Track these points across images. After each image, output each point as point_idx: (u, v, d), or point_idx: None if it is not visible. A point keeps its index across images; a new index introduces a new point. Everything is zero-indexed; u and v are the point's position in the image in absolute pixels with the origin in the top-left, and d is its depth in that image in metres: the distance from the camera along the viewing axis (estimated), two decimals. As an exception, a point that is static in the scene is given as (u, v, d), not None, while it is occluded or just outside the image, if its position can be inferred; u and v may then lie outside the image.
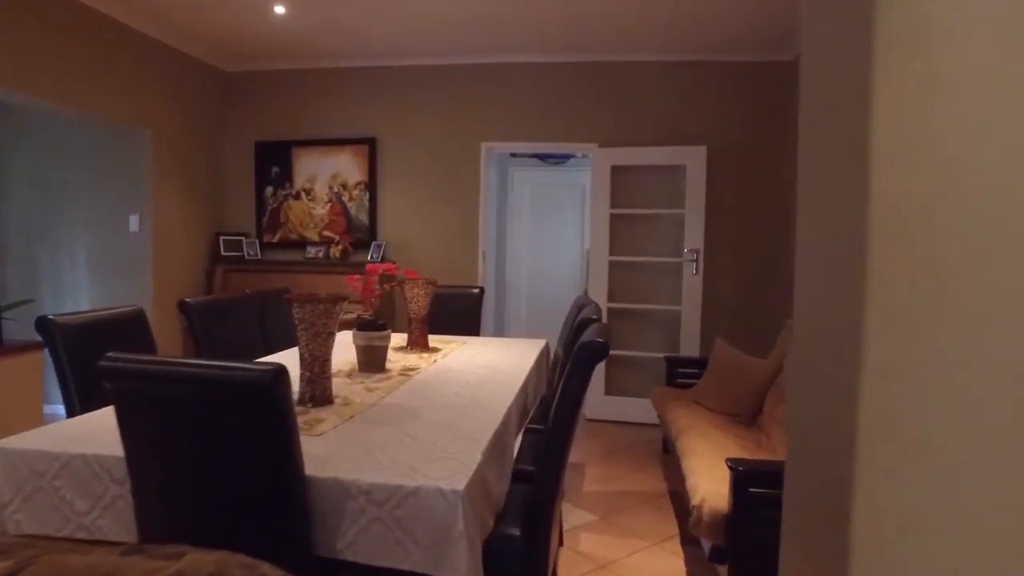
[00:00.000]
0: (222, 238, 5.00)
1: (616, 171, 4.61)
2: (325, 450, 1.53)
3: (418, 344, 3.04)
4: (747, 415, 3.57)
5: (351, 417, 1.83)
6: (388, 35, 4.40)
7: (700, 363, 4.04)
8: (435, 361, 2.79)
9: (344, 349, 2.88)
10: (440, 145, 4.90)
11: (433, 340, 3.31)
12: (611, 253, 4.64)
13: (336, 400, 2.01)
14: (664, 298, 4.62)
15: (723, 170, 4.53)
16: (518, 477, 2.07)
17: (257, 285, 4.88)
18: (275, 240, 5.15)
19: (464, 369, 2.66)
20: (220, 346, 2.63)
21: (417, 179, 4.95)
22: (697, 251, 4.44)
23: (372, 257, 4.86)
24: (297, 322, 1.92)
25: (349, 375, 2.43)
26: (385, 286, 2.64)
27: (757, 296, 4.55)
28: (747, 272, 4.57)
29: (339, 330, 2.28)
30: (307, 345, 1.93)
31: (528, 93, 4.77)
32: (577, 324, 2.46)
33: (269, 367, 1.24)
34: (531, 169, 6.12)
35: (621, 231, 4.69)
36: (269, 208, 5.14)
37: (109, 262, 4.46)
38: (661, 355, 4.58)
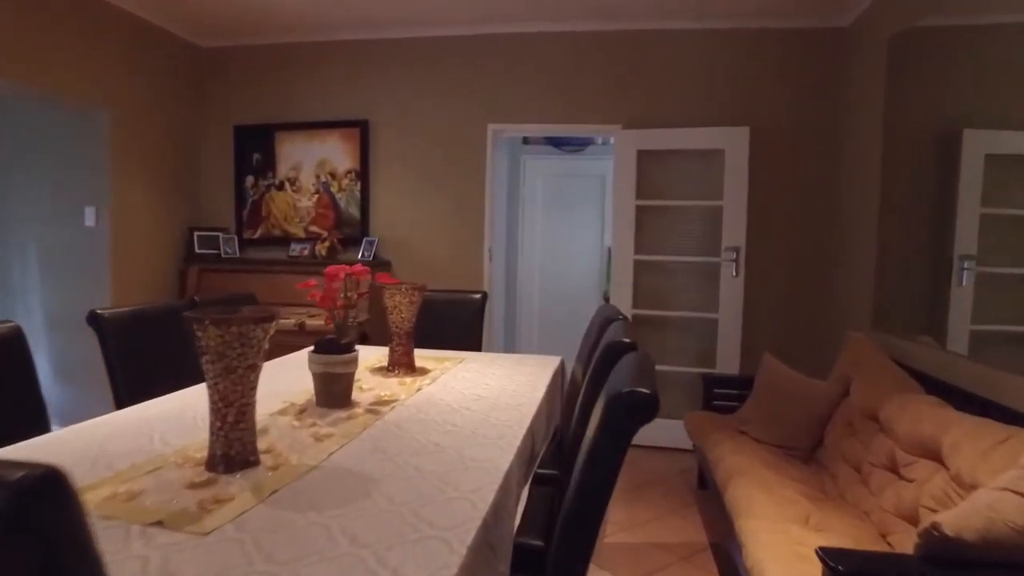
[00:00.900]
0: (196, 234, 4.45)
1: (643, 157, 3.98)
2: (198, 569, 0.93)
3: (401, 364, 2.45)
4: (804, 448, 2.94)
5: (272, 494, 1.24)
6: (382, 2, 3.81)
7: (743, 382, 3.42)
8: (419, 389, 2.20)
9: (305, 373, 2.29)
10: (441, 128, 4.31)
11: (423, 357, 2.72)
12: (636, 252, 4.02)
13: (264, 458, 1.42)
14: (698, 304, 3.99)
15: (768, 155, 3.89)
16: (521, 553, 1.48)
17: (235, 287, 4.32)
18: (256, 236, 4.59)
19: (454, 400, 2.06)
20: (139, 373, 2.06)
21: (414, 167, 4.36)
22: (737, 249, 3.81)
23: (363, 255, 4.28)
24: (200, 351, 1.32)
25: (300, 413, 1.85)
26: (350, 295, 2.04)
27: (810, 302, 3.91)
28: (797, 274, 3.93)
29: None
30: (216, 384, 1.34)
31: (541, 68, 4.16)
32: (605, 350, 1.85)
33: (26, 472, 0.64)
34: (545, 158, 5.52)
35: (648, 226, 4.07)
36: (250, 200, 4.58)
37: (62, 261, 3.92)
38: (695, 370, 3.95)
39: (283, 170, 4.51)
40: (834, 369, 3.11)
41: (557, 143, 5.51)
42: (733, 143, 3.79)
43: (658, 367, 4.03)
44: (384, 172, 4.39)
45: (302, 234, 4.50)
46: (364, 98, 4.38)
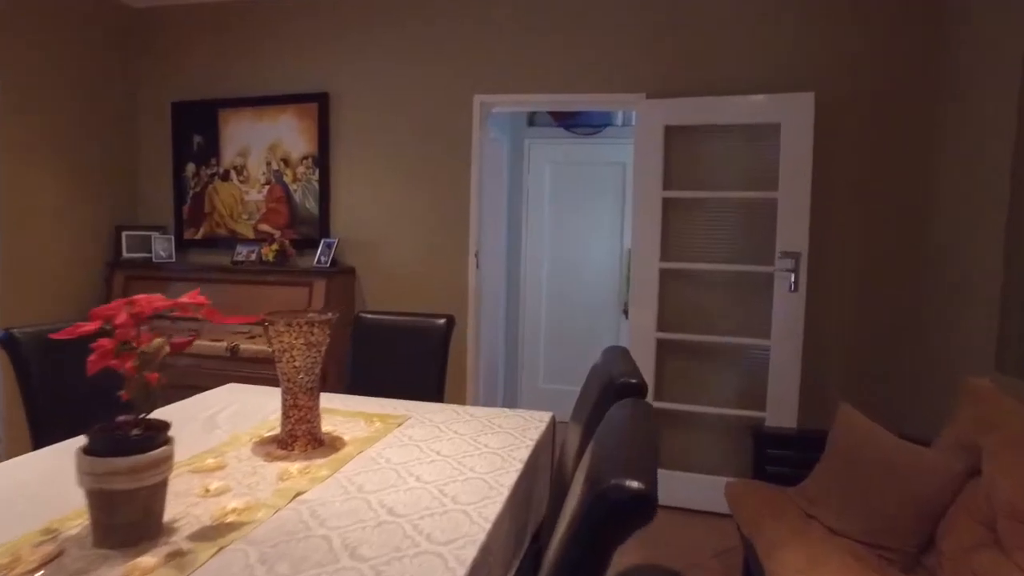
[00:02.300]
0: (125, 234, 3.67)
1: (672, 134, 3.07)
2: None
3: (297, 437, 1.62)
4: (906, 549, 2.02)
5: None
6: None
7: (807, 441, 2.49)
8: (296, 495, 1.34)
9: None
10: (416, 102, 3.45)
11: (347, 415, 1.89)
12: (663, 258, 3.11)
13: None
14: (743, 327, 3.06)
15: (840, 131, 2.94)
16: None
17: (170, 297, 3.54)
18: (199, 236, 3.80)
19: (355, 515, 1.22)
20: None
21: (384, 151, 3.52)
22: (797, 256, 2.87)
23: (320, 260, 3.45)
24: None
25: (43, 565, 1.02)
26: (141, 351, 1.17)
27: (899, 330, 2.94)
28: (880, 290, 2.97)
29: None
30: None
31: (541, 22, 3.27)
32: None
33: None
34: (554, 142, 4.62)
35: (678, 225, 3.15)
36: (191, 193, 3.79)
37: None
38: (737, 412, 3.04)
39: (228, 156, 3.71)
40: (947, 431, 2.17)
41: (568, 124, 4.61)
42: (792, 115, 2.85)
43: (687, 407, 3.13)
44: (347, 157, 3.56)
45: (251, 234, 3.69)
46: (323, 66, 3.55)
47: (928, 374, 2.78)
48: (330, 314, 1.70)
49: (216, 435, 1.74)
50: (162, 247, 3.69)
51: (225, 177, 3.72)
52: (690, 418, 3.15)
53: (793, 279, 2.87)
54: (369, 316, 2.41)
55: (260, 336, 3.26)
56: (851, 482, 2.17)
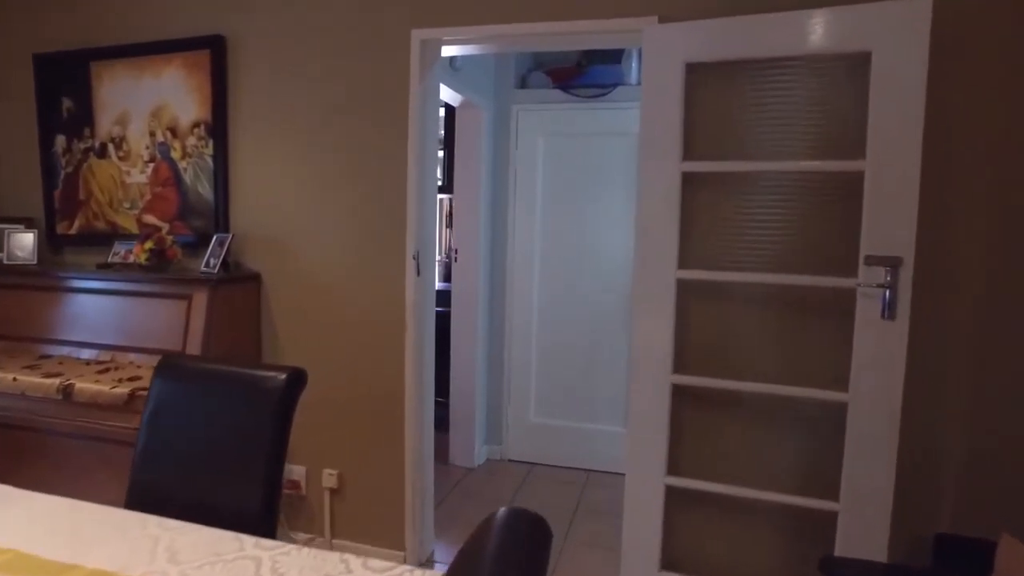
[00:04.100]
0: (-26, 228, 2.82)
1: (697, 76, 2.03)
2: None
3: None
4: None
5: None
6: None
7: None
8: None
9: None
10: (338, 43, 2.49)
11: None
12: (683, 263, 2.08)
13: None
14: (804, 370, 2.01)
15: (969, 65, 1.85)
16: None
17: (28, 313, 2.69)
18: (73, 231, 2.92)
19: None
20: None
21: (298, 114, 2.57)
22: (896, 263, 1.80)
23: (208, 264, 2.53)
24: None
25: None
26: None
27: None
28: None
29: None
30: None
31: (508, -78, 2.27)
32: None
33: None
34: (549, 108, 3.60)
35: (706, 214, 2.11)
36: (63, 174, 2.91)
37: None
38: (792, 499, 2.00)
39: (105, 125, 2.81)
40: None
41: (568, 84, 3.58)
42: (893, 37, 1.78)
43: (718, 489, 2.07)
44: (250, 125, 2.62)
45: (134, 228, 2.80)
46: (217, 0, 2.62)
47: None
48: None
49: None
50: (20, 247, 2.83)
51: (102, 153, 2.82)
52: (719, 504, 2.12)
53: (887, 299, 1.81)
54: (173, 363, 1.46)
55: (114, 368, 2.36)
56: None
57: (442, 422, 3.80)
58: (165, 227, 2.73)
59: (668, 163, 2.05)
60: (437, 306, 3.95)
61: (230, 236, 2.55)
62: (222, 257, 2.50)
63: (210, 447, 1.34)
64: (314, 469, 2.64)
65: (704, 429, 2.15)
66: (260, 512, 1.26)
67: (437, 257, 5.14)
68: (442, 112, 4.41)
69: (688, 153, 2.05)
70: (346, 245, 2.53)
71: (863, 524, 1.87)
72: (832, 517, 1.91)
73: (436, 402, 3.87)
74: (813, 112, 1.97)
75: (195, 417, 1.37)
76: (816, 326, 2.01)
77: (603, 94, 3.50)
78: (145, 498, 1.35)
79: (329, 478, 2.60)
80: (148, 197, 2.76)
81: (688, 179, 2.05)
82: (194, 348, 2.36)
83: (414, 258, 2.40)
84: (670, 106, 2.03)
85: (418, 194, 2.40)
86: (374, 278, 2.49)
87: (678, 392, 2.11)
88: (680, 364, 2.11)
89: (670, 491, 2.13)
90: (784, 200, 2.05)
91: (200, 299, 2.40)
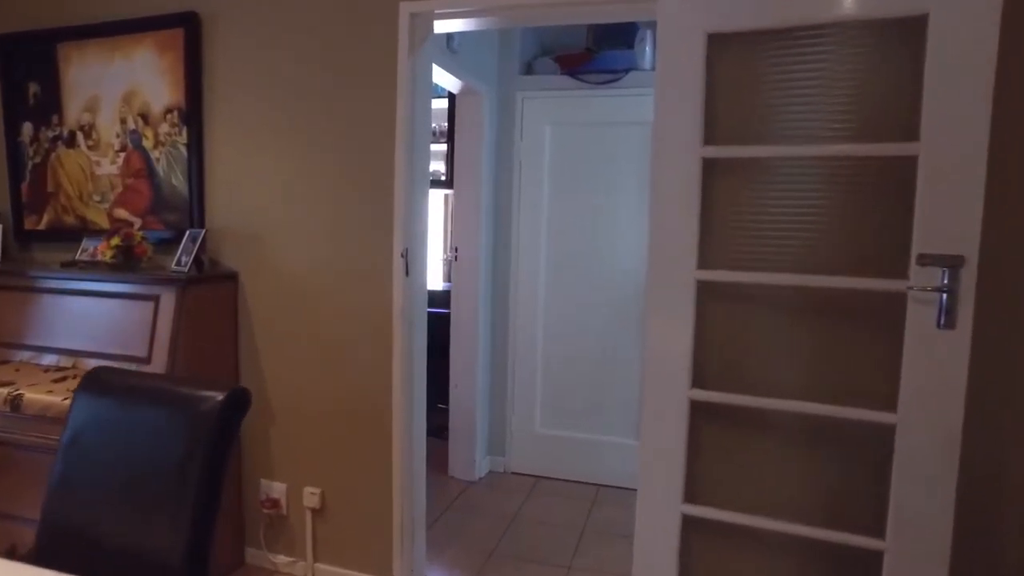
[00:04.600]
0: (-65, 223, 2.63)
1: (720, 47, 1.77)
2: None
3: None
4: None
5: None
6: None
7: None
8: None
9: None
10: (320, 18, 2.26)
11: None
12: (703, 262, 1.82)
13: None
14: (845, 387, 1.74)
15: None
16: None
17: (-9, 314, 2.49)
18: (42, 227, 2.72)
19: None
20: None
21: (277, 96, 2.34)
22: (957, 263, 1.53)
23: (180, 262, 2.31)
24: None
25: None
26: None
27: None
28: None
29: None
30: None
31: None
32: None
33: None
34: (557, 95, 3.35)
35: (730, 207, 1.85)
36: (30, 165, 2.71)
37: None
38: (831, 534, 1.74)
39: (73, 111, 2.61)
40: None
41: (577, 70, 3.33)
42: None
43: (744, 520, 1.80)
44: (227, 111, 2.40)
45: (105, 223, 2.59)
46: (192, -28, 2.40)
47: None
48: None
49: None
50: (-17, 242, 2.64)
51: (71, 142, 2.62)
52: (743, 536, 1.86)
53: (945, 304, 1.54)
54: (100, 377, 1.24)
55: (73, 375, 2.15)
56: None
57: (442, 429, 3.57)
58: (137, 222, 2.52)
59: (686, 149, 1.79)
60: (439, 307, 3.72)
61: (203, 232, 2.33)
62: (194, 255, 2.28)
63: (132, 482, 1.11)
64: (295, 486, 2.41)
65: (726, 451, 1.89)
66: (183, 565, 1.03)
67: (442, 256, 4.93)
68: (445, 104, 4.18)
69: (709, 136, 1.79)
70: (331, 242, 2.30)
71: (914, 565, 1.61)
72: (876, 556, 1.64)
73: (437, 408, 3.65)
74: (853, 89, 1.70)
75: (117, 444, 1.15)
76: (857, 336, 1.74)
77: (615, 80, 3.25)
78: (56, 542, 1.12)
79: (311, 497, 2.37)
80: (119, 190, 2.55)
81: (709, 167, 1.80)
82: (160, 355, 2.14)
83: (402, 256, 2.17)
84: (689, 83, 1.77)
85: (407, 185, 2.17)
86: (360, 278, 2.26)
87: (697, 409, 1.85)
88: (699, 377, 1.85)
89: (687, 521, 1.87)
90: (819, 191, 1.78)
91: (168, 301, 2.18)
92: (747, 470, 1.87)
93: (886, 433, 1.63)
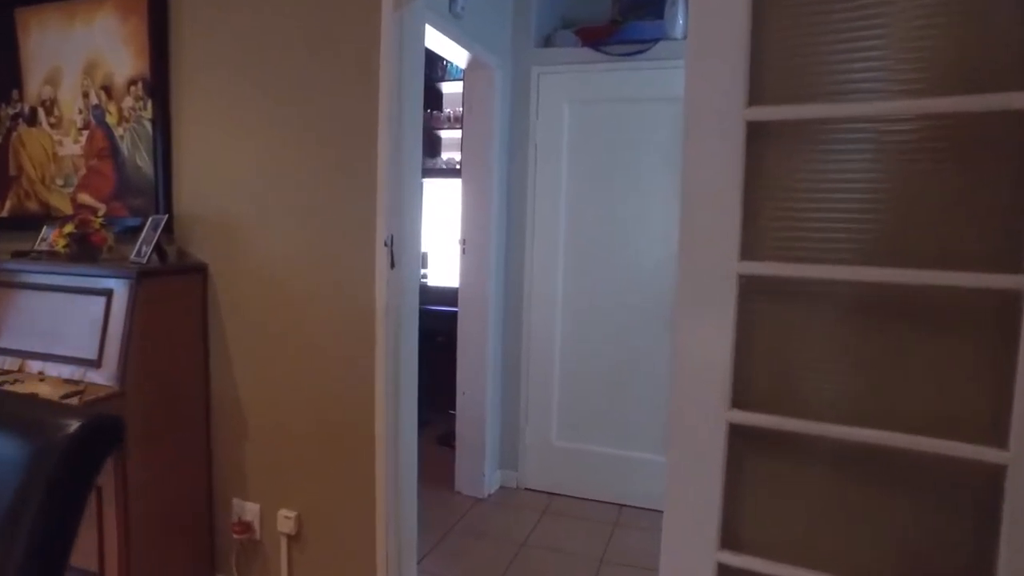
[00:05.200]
0: None
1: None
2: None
3: None
4: None
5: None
6: None
7: None
8: None
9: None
10: (297, -27, 1.96)
11: None
12: (746, 253, 1.45)
13: None
14: (936, 413, 1.36)
15: None
16: None
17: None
18: (5, 214, 2.49)
19: None
20: None
21: (250, 65, 2.05)
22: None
23: (140, 251, 2.04)
24: None
25: None
26: None
27: None
28: None
29: None
30: None
31: None
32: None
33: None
34: (577, 70, 3.01)
35: (781, 184, 1.48)
36: (-8, 146, 2.48)
37: None
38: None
39: (34, 85, 2.36)
40: None
41: (600, 42, 2.98)
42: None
43: (784, 573, 1.37)
44: (195, 79, 2.12)
45: (69, 209, 2.34)
46: (157, -76, 2.12)
47: None
48: None
49: None
50: (-60, 230, 2.40)
51: (32, 119, 2.37)
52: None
53: (1074, 308, 1.15)
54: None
55: (13, 380, 1.89)
56: None
57: (451, 437, 3.27)
58: (101, 208, 2.26)
59: (727, 110, 1.43)
60: (447, 305, 3.41)
61: (165, 218, 2.05)
62: (154, 244, 2.00)
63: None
64: (269, 507, 2.12)
65: (775, 488, 1.52)
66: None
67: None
68: (460, 87, 3.86)
69: (755, 94, 1.43)
70: (311, 230, 2.00)
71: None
72: (975, 634, 1.27)
73: (448, 414, 3.34)
74: (940, 28, 1.32)
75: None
76: (947, 346, 1.36)
77: (641, 51, 2.89)
78: None
79: (285, 522, 2.08)
80: (83, 172, 2.29)
81: (756, 132, 1.43)
82: (111, 359, 1.87)
83: (386, 245, 1.86)
84: (732, 25, 1.41)
85: (391, 160, 1.85)
86: (341, 272, 1.96)
87: (738, 434, 1.49)
88: (741, 394, 1.49)
89: (724, 572, 1.51)
90: (899, 162, 1.40)
91: (121, 296, 1.90)
92: (800, 513, 1.50)
93: (991, 474, 1.25)
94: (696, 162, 1.50)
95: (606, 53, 2.94)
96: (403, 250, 1.91)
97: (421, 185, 2.01)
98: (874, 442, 1.36)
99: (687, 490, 1.53)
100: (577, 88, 2.99)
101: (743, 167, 1.43)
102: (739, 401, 1.47)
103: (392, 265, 1.87)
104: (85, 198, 2.29)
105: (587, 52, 2.97)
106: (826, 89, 1.41)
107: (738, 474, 1.52)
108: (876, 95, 1.37)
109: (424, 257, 4.55)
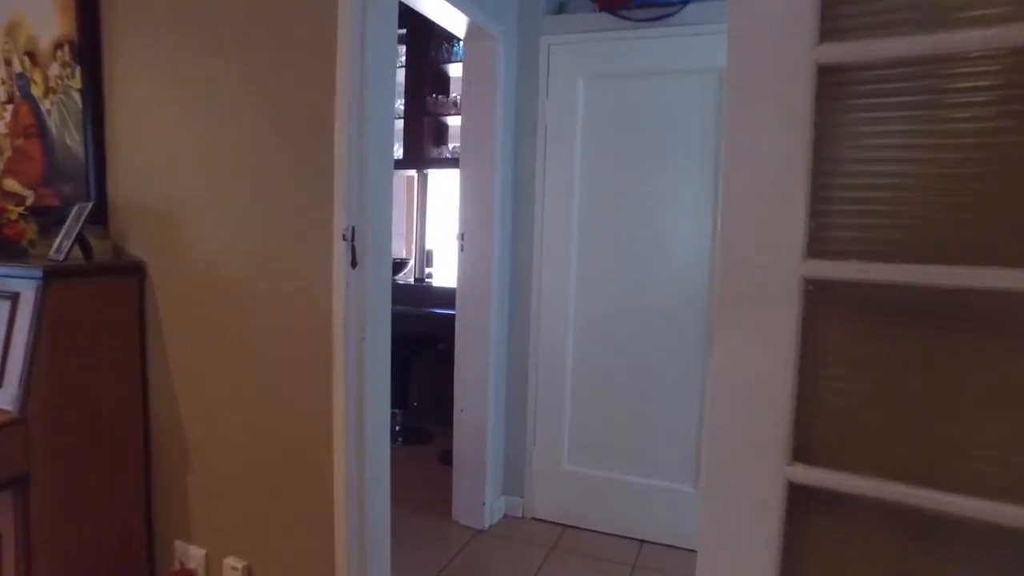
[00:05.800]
0: None
1: None
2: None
3: None
4: None
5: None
6: None
7: None
8: None
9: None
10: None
11: None
12: (812, 250, 1.06)
13: None
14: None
15: None
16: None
17: None
18: (-68, 204, 2.18)
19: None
20: None
21: (194, 24, 1.71)
22: None
23: (60, 246, 1.70)
24: None
25: None
26: None
27: None
28: None
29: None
30: None
31: None
32: None
33: None
34: (592, 39, 2.63)
35: (862, 157, 1.08)
36: (-82, 127, 2.17)
37: None
38: None
39: (-42, 54, 2.05)
40: None
41: (618, 7, 2.58)
42: None
43: None
44: (131, 40, 1.79)
45: (-3, 198, 2.03)
46: None
47: None
48: None
49: None
50: None
51: (-44, 94, 2.06)
52: None
53: None
54: None
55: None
56: None
57: (447, 454, 2.91)
58: (29, 196, 1.93)
59: (790, 50, 1.04)
60: (444, 309, 3.04)
61: (90, 205, 1.72)
62: (75, 237, 1.67)
63: None
64: (215, 554, 1.78)
65: (849, 571, 1.12)
66: None
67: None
68: (460, 70, 3.48)
69: (827, 29, 1.03)
70: (260, 223, 1.65)
71: None
72: None
73: (443, 431, 2.97)
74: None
75: None
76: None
77: (667, 15, 2.49)
78: None
79: (232, 573, 1.73)
80: (8, 154, 1.97)
81: (829, 81, 1.04)
82: (13, 377, 1.53)
83: (345, 239, 1.49)
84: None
85: (349, 139, 1.48)
86: (294, 271, 1.60)
87: (800, 495, 1.10)
88: (804, 440, 1.09)
89: None
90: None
91: (28, 300, 1.57)
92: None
93: None
94: (744, 128, 1.10)
95: (627, 19, 2.55)
96: (368, 246, 1.54)
97: (391, 169, 1.64)
98: (997, 520, 0.95)
99: (727, 569, 1.14)
100: (593, 60, 2.60)
101: (811, 130, 1.03)
102: (801, 451, 1.07)
103: (354, 264, 1.50)
104: (12, 184, 1.97)
105: (605, 18, 2.59)
106: (931, 16, 1.00)
107: (800, 552, 1.13)
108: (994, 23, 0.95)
109: (429, 255, 4.21)
